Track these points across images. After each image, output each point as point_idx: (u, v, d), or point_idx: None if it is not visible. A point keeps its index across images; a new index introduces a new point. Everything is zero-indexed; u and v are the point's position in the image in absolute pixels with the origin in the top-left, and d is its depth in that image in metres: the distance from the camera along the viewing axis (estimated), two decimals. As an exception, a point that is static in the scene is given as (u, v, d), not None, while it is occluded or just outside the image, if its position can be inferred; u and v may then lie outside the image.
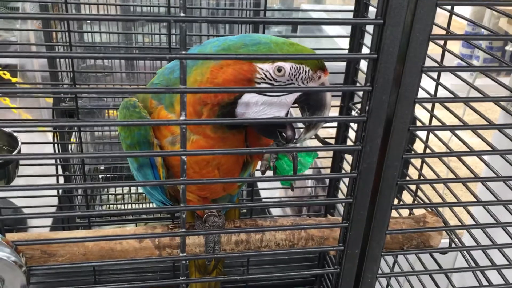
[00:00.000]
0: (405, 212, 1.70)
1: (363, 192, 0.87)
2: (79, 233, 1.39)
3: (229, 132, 1.25)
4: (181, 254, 0.85)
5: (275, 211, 3.35)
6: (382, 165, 0.86)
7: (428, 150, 1.61)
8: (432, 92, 1.55)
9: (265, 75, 1.14)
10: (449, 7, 1.49)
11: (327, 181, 2.54)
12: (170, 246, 1.38)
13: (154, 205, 1.55)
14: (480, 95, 1.30)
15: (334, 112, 2.20)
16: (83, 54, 0.68)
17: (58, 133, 2.18)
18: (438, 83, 1.53)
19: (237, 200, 1.68)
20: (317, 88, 1.14)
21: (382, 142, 0.84)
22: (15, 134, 1.77)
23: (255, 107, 1.15)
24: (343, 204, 0.97)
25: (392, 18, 0.73)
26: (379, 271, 1.00)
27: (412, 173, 1.75)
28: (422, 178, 1.65)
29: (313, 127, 1.19)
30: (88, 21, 2.84)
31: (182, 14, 0.69)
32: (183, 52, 0.71)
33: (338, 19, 0.76)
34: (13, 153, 1.59)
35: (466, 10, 5.05)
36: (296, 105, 1.19)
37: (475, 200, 1.42)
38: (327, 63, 1.18)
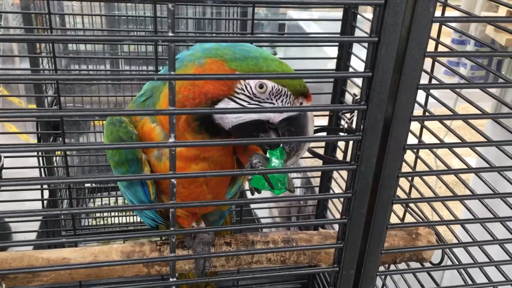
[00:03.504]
0: (394, 218, 1.69)
1: (358, 212, 0.84)
2: (64, 252, 1.34)
3: (211, 138, 1.21)
4: (171, 279, 0.82)
5: (264, 214, 3.32)
6: (377, 184, 0.84)
7: (419, 162, 1.60)
8: (422, 101, 1.54)
9: (246, 87, 1.12)
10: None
11: (316, 189, 2.53)
12: (159, 264, 1.35)
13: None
14: (471, 107, 1.29)
15: (323, 121, 2.19)
16: (67, 76, 0.65)
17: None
18: (428, 94, 1.52)
19: (228, 218, 1.65)
20: (303, 107, 1.11)
21: (377, 161, 0.82)
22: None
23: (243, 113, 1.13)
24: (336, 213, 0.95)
25: (387, 36, 0.72)
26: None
27: (402, 180, 1.73)
28: (413, 187, 1.64)
29: (294, 154, 1.16)
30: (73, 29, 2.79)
31: (170, 34, 0.66)
32: (172, 73, 0.68)
33: (331, 36, 0.75)
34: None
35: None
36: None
37: (467, 210, 1.41)
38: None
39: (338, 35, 1.85)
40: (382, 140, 0.80)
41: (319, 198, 2.31)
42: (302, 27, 5.58)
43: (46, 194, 2.30)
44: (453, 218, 1.37)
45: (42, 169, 2.20)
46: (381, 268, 1.56)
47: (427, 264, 1.46)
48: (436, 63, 1.50)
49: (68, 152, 2.01)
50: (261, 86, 1.12)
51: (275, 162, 1.18)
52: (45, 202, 2.31)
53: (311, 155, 1.47)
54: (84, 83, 2.62)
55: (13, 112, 0.70)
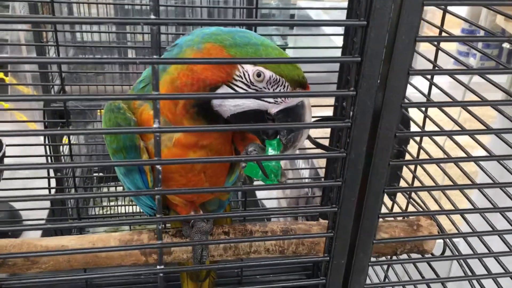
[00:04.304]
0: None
1: (348, 201, 0.83)
2: (63, 240, 1.35)
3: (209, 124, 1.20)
4: (158, 267, 0.81)
5: (271, 203, 3.31)
6: (368, 172, 0.82)
7: (422, 152, 1.57)
8: (426, 91, 1.50)
9: (244, 75, 1.11)
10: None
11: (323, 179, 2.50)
12: (156, 252, 1.35)
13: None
14: (478, 99, 1.25)
15: (328, 111, 2.16)
16: (69, 59, 0.64)
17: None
18: (431, 83, 1.49)
19: (228, 208, 1.64)
20: (295, 93, 1.09)
21: (368, 149, 0.80)
22: None
23: (231, 98, 1.12)
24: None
25: (376, 20, 0.69)
26: (370, 279, 0.97)
27: (406, 172, 1.70)
28: (416, 178, 1.61)
29: (291, 146, 1.15)
30: (77, 20, 2.79)
31: (152, 17, 0.65)
32: (155, 57, 0.67)
33: (324, 20, 0.73)
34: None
35: (462, 8, 4.98)
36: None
37: (470, 204, 1.38)
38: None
39: (329, 20, 1.83)
40: (373, 128, 0.78)
41: (309, 186, 2.30)
42: (312, 18, 5.54)
43: (53, 184, 2.32)
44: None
45: (48, 158, 2.21)
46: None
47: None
48: (445, 54, 1.46)
49: (75, 142, 2.02)
50: (258, 75, 1.11)
51: (272, 152, 1.17)
52: (52, 191, 2.33)
53: (313, 146, 1.46)
54: (88, 72, 2.62)
55: (19, 96, 0.70)
